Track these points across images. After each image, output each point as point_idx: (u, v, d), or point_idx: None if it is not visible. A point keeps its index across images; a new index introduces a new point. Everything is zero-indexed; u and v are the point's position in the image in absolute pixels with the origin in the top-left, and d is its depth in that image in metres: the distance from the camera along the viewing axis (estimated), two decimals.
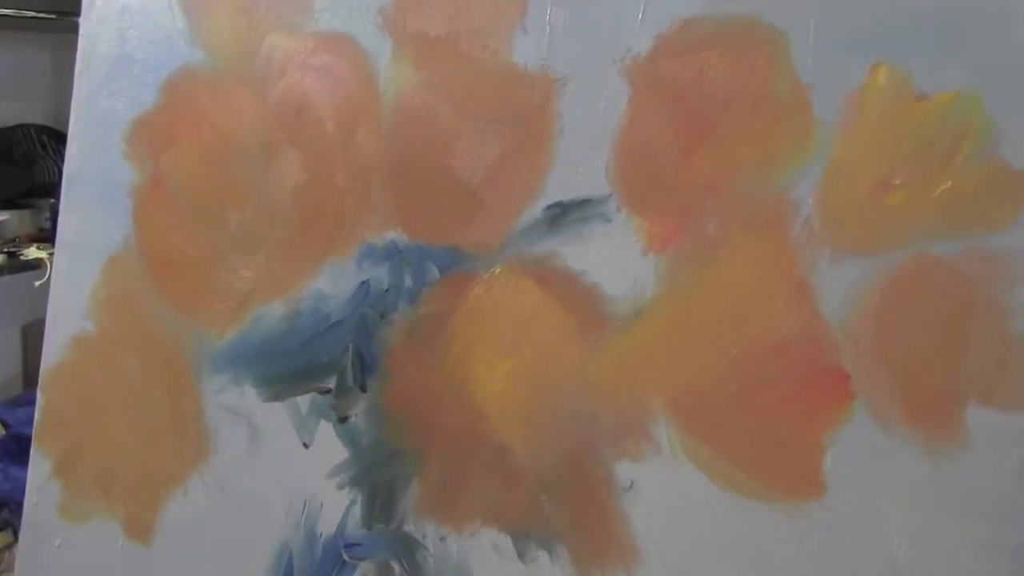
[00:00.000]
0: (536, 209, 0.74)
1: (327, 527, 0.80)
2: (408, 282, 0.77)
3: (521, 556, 0.76)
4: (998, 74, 0.67)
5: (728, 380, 0.72)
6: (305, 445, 0.80)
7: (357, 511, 0.79)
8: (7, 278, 2.05)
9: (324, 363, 0.79)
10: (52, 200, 2.17)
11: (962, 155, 0.68)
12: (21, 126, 2.28)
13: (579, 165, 0.73)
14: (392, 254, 0.77)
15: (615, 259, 0.73)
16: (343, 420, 0.79)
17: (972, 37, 0.67)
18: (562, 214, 0.74)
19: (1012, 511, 0.66)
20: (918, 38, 0.68)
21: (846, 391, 0.70)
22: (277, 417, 0.80)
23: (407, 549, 0.78)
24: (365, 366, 0.78)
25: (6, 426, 1.96)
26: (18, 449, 1.87)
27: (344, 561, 0.79)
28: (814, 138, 0.70)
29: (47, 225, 2.21)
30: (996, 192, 0.67)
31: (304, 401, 0.80)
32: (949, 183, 0.68)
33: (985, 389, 0.68)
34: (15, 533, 1.83)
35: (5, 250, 2.09)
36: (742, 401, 0.72)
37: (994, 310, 0.67)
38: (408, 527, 0.78)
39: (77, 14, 0.85)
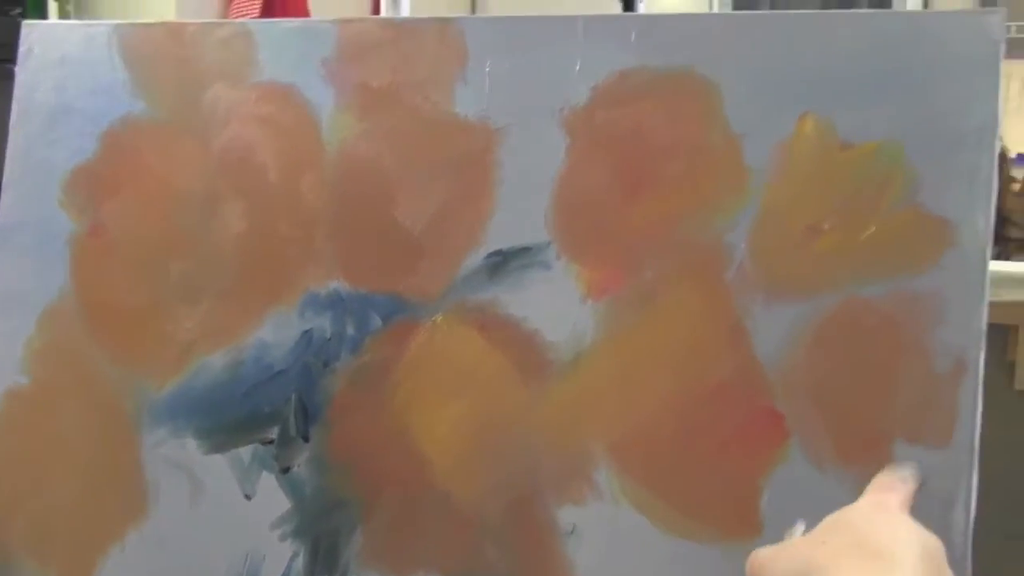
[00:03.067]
0: (477, 257, 0.75)
1: None
2: (351, 331, 0.77)
3: None
4: (918, 124, 0.70)
5: (667, 424, 0.73)
6: (247, 497, 0.79)
7: (300, 563, 0.78)
8: None
9: (266, 413, 0.79)
10: None
11: (886, 202, 0.71)
12: None
13: (519, 213, 0.75)
14: (335, 303, 0.77)
15: (555, 306, 0.74)
16: (286, 471, 0.78)
17: (894, 89, 0.70)
18: (503, 262, 0.75)
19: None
20: (843, 90, 0.71)
21: (781, 432, 0.72)
22: (219, 469, 0.79)
23: None
24: (308, 415, 0.78)
25: None
26: None
27: None
28: (746, 186, 0.72)
29: None
30: (918, 237, 0.70)
31: (246, 452, 0.79)
32: (874, 228, 0.71)
33: (912, 427, 0.70)
34: None
35: None
36: (681, 444, 0.73)
37: (918, 351, 0.70)
38: None
39: (11, 61, 0.84)
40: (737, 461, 0.73)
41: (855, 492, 0.70)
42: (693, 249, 0.73)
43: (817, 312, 0.72)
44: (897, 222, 0.71)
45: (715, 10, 3.30)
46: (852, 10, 0.74)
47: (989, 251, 0.70)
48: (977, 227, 0.69)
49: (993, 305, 0.69)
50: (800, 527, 0.62)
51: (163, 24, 0.80)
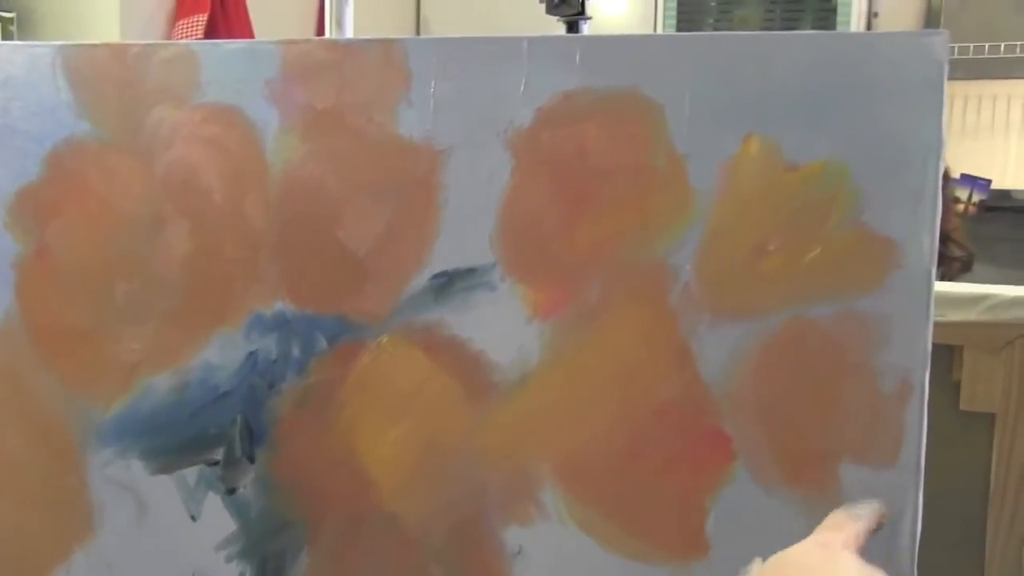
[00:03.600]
0: (422, 278, 0.75)
1: None
2: (296, 352, 0.77)
3: None
4: (863, 145, 0.70)
5: (612, 444, 0.73)
6: (193, 518, 0.79)
7: None
8: None
9: (212, 434, 0.78)
10: None
11: (831, 222, 0.71)
12: None
13: (464, 235, 0.75)
14: (280, 324, 0.77)
15: (500, 327, 0.74)
16: (231, 492, 0.78)
17: (838, 110, 0.70)
18: (448, 283, 0.75)
19: (884, 563, 0.68)
20: (787, 110, 0.71)
21: (727, 453, 0.72)
22: (165, 490, 0.79)
23: None
24: (253, 437, 0.78)
25: None
26: None
27: None
28: (691, 207, 0.72)
29: None
30: (863, 257, 0.70)
31: (192, 473, 0.79)
32: (819, 249, 0.71)
33: (857, 448, 0.70)
34: None
35: None
36: (627, 464, 0.73)
37: (864, 371, 0.70)
38: None
39: None
40: (683, 482, 0.73)
41: (802, 513, 0.70)
42: (638, 270, 0.73)
43: (763, 333, 0.72)
44: (842, 243, 0.71)
45: (659, 31, 3.32)
46: (797, 31, 0.74)
47: (934, 271, 0.70)
48: (922, 247, 0.69)
49: (938, 325, 0.69)
50: (757, 563, 0.62)
51: (107, 45, 0.79)
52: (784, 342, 0.71)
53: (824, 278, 0.71)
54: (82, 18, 1.94)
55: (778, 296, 0.72)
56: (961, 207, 2.69)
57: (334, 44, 0.78)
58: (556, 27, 1.21)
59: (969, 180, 2.82)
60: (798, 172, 0.71)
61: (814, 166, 0.71)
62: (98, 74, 0.79)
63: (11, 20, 1.92)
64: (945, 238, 1.43)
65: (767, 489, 0.71)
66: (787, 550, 0.59)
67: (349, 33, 1.20)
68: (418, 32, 3.40)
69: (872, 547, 0.68)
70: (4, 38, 1.93)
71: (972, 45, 2.98)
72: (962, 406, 0.98)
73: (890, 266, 0.70)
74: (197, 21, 1.96)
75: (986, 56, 3.00)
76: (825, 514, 0.68)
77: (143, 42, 0.79)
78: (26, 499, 0.81)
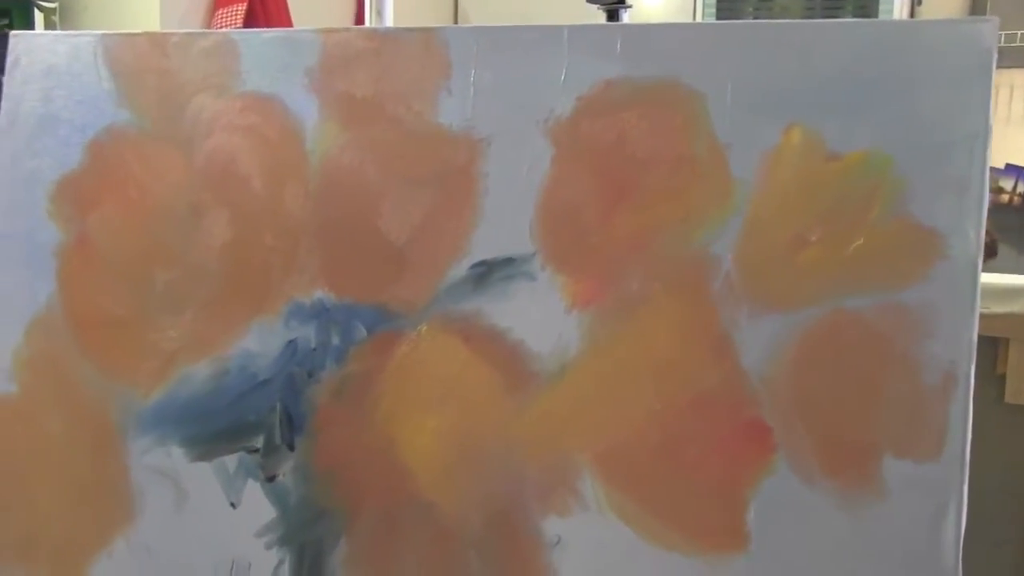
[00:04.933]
0: (461, 268, 0.75)
1: None
2: (336, 341, 0.77)
3: None
4: (907, 134, 0.69)
5: (652, 434, 0.73)
6: (232, 505, 0.79)
7: (285, 571, 0.78)
8: None
9: (251, 422, 0.79)
10: None
11: (873, 213, 0.70)
12: None
13: (503, 224, 0.74)
14: (319, 313, 0.77)
15: (540, 317, 0.74)
16: (271, 479, 0.78)
17: (881, 99, 0.70)
18: (487, 272, 0.75)
19: (927, 559, 0.67)
20: (830, 100, 0.70)
21: (767, 444, 0.71)
22: (204, 477, 0.79)
23: None
24: (293, 425, 0.78)
25: None
26: None
27: None
28: (732, 197, 0.72)
29: None
30: (907, 248, 0.69)
31: (231, 461, 0.79)
32: (862, 240, 0.70)
33: (900, 441, 0.69)
34: None
35: None
36: (666, 455, 0.73)
37: (907, 364, 0.69)
38: None
39: (0, 72, 0.84)
40: (723, 473, 0.72)
41: (843, 507, 0.69)
42: (679, 260, 0.72)
43: (804, 324, 0.71)
44: (885, 233, 0.70)
45: (699, 20, 3.29)
46: (839, 20, 0.73)
47: (980, 262, 0.69)
48: (968, 238, 0.68)
49: (983, 317, 0.68)
50: None
51: (147, 34, 0.80)
52: (826, 333, 0.71)
53: (867, 269, 0.70)
54: (123, 7, 1.95)
55: (820, 287, 0.71)
56: (1006, 197, 2.65)
57: (373, 33, 0.78)
58: (596, 16, 1.21)
59: (1015, 170, 2.78)
60: (841, 162, 0.70)
61: (857, 155, 0.70)
62: (139, 63, 0.79)
63: (53, 10, 1.94)
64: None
65: (808, 482, 0.71)
66: None
67: (389, 22, 1.20)
68: (457, 20, 3.39)
69: (916, 543, 0.67)
70: (47, 28, 1.95)
71: (1020, 32, 2.92)
72: (1007, 399, 0.96)
73: (935, 257, 0.69)
74: (236, 10, 1.96)
75: None
76: (867, 508, 0.68)
77: (183, 31, 0.79)
78: (68, 486, 0.82)
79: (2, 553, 0.82)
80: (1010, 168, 2.78)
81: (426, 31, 0.75)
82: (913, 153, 0.69)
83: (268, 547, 0.78)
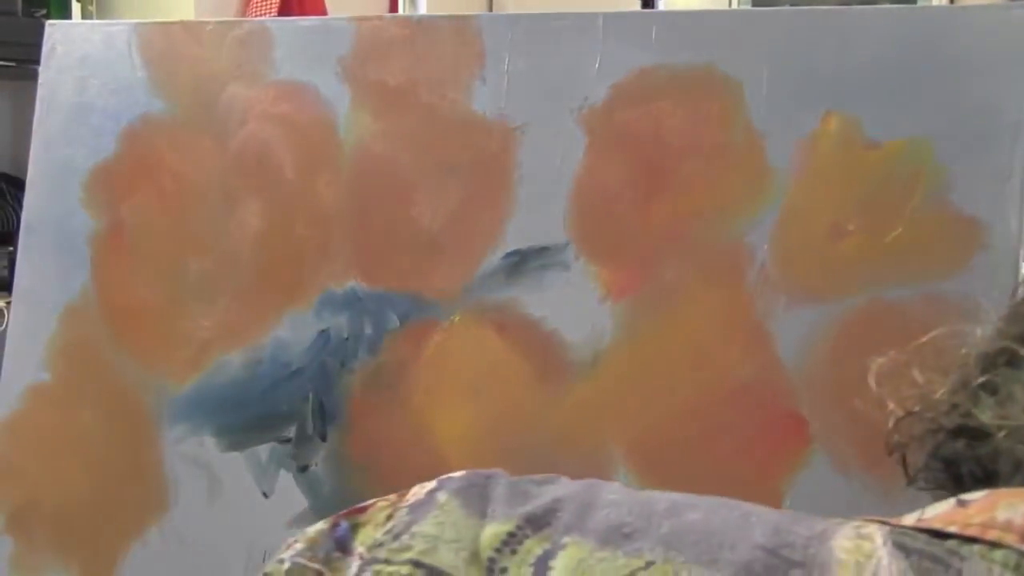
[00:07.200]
0: (495, 257, 0.75)
1: None
2: (368, 330, 0.77)
3: None
4: (948, 122, 0.68)
5: (687, 426, 0.72)
6: (265, 495, 0.79)
7: None
8: None
9: (284, 412, 0.79)
10: (10, 248, 2.12)
11: (913, 202, 0.69)
12: None
13: (537, 213, 0.74)
14: (352, 302, 0.77)
15: (574, 306, 0.73)
16: (303, 469, 0.78)
17: (922, 86, 0.68)
18: (521, 262, 0.74)
19: None
20: (868, 87, 0.69)
21: (803, 436, 0.71)
22: (237, 467, 0.79)
23: None
24: (325, 415, 0.78)
25: None
26: None
27: None
28: (769, 186, 0.71)
29: (5, 274, 2.16)
30: (948, 238, 0.68)
31: (264, 450, 0.79)
32: (901, 229, 0.69)
33: None
34: None
35: None
36: (700, 446, 0.72)
37: None
38: None
39: (37, 62, 0.85)
40: (758, 465, 0.72)
41: (881, 501, 0.68)
42: (714, 249, 0.72)
43: (841, 315, 0.70)
44: (925, 222, 0.69)
45: (735, 6, 3.26)
46: (878, 6, 0.72)
47: (1021, 252, 0.68)
48: (1010, 227, 0.67)
49: None
50: None
51: (181, 23, 0.80)
52: (864, 323, 0.70)
53: (906, 259, 0.69)
54: None
55: (858, 277, 0.70)
56: None
57: (407, 20, 0.77)
58: (631, 3, 1.20)
59: None
60: (880, 150, 0.69)
61: (897, 143, 0.69)
62: (173, 52, 0.79)
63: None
64: None
65: (845, 474, 0.70)
66: None
67: (422, 10, 1.20)
68: (491, 8, 3.37)
69: None
70: (83, 17, 1.96)
71: None
72: None
73: (976, 247, 0.68)
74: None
75: None
76: (905, 502, 0.67)
77: (217, 19, 0.79)
78: (103, 475, 0.82)
79: (36, 542, 0.83)
80: None
81: (460, 19, 0.75)
82: (954, 141, 0.68)
83: None
